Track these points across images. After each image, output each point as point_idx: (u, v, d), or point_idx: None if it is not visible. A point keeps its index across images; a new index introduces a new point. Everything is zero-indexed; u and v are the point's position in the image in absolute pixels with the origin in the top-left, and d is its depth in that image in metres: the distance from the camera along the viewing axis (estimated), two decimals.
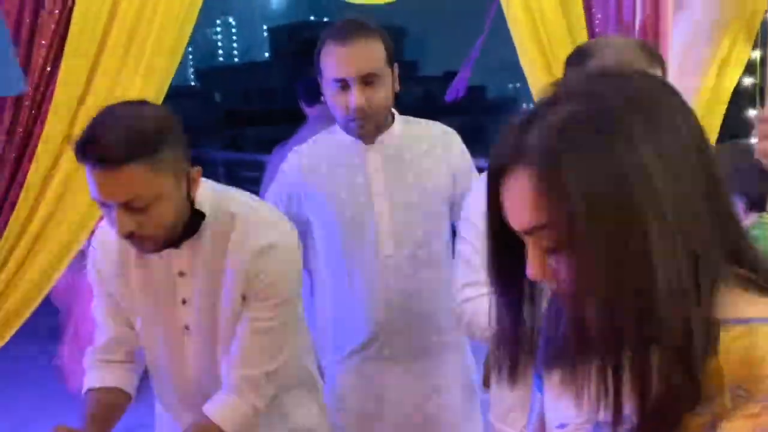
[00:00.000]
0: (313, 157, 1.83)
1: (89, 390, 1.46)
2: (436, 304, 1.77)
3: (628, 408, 0.70)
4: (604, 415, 0.72)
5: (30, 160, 1.84)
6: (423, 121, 1.87)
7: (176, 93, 9.36)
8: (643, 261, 0.66)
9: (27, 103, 1.79)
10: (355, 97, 1.65)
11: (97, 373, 1.48)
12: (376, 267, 1.77)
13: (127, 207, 1.24)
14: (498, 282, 0.80)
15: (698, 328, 0.67)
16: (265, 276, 1.37)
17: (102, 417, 1.41)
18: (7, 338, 2.02)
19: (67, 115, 1.82)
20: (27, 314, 2.01)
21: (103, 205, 1.27)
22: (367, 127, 1.72)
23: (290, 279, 1.41)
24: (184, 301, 1.43)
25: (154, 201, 1.25)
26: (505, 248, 0.77)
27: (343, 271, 1.80)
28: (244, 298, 1.39)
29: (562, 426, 0.83)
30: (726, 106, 2.31)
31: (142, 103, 1.33)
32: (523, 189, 0.71)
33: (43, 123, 1.81)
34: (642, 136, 0.67)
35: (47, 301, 2.19)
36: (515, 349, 0.81)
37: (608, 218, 0.67)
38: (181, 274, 1.41)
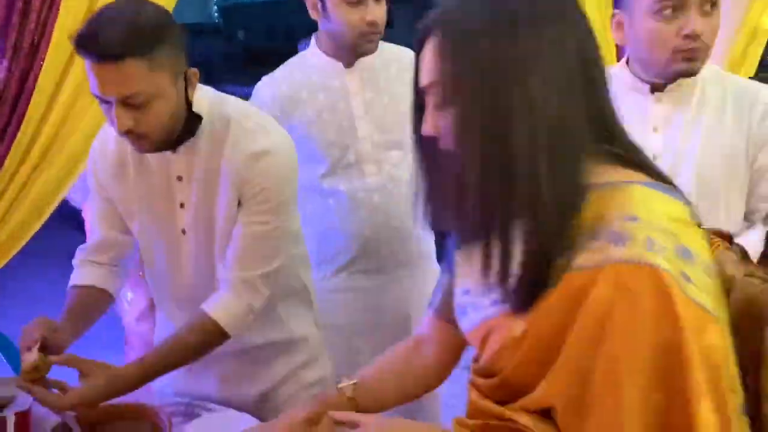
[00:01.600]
0: (292, 84, 1.89)
1: (72, 287, 1.52)
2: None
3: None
4: (492, 278, 0.89)
5: (40, 68, 1.85)
6: (395, 46, 1.96)
7: (199, 30, 9.26)
8: (505, 119, 0.82)
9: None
10: (372, 9, 1.75)
11: (81, 270, 1.53)
12: (360, 186, 1.89)
13: (125, 104, 1.26)
14: (418, 147, 0.98)
15: (551, 190, 0.82)
16: (260, 181, 1.40)
17: (80, 312, 1.47)
18: (17, 249, 2.05)
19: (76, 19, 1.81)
20: (38, 226, 2.04)
21: (103, 101, 1.29)
22: (377, 42, 1.82)
23: (285, 184, 1.44)
24: (182, 205, 1.47)
25: (151, 98, 1.27)
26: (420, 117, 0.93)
27: (326, 193, 1.89)
28: (239, 202, 1.42)
29: (466, 292, 1.00)
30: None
31: (143, 1, 1.33)
32: (428, 53, 0.89)
33: (53, 27, 1.81)
34: (527, 20, 0.84)
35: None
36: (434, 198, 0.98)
37: (480, 78, 0.83)
38: (179, 178, 1.45)
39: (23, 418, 1.30)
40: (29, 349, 1.30)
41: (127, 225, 1.53)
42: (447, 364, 1.19)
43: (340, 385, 1.17)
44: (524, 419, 0.89)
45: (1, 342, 2.03)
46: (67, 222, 2.82)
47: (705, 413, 0.78)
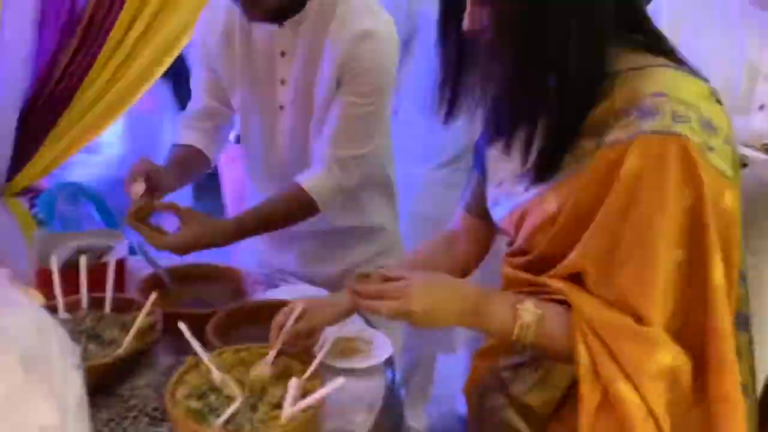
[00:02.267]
0: None
1: (172, 146, 1.59)
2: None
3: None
4: (522, 167, 0.97)
5: None
6: None
7: None
8: (541, 8, 0.87)
9: None
10: None
11: (183, 132, 1.60)
12: None
13: None
14: (443, 41, 1.04)
15: (583, 71, 0.89)
16: (363, 61, 1.40)
17: (180, 165, 1.53)
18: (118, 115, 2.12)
19: None
20: (140, 94, 2.10)
21: None
22: None
23: (386, 68, 1.44)
24: (282, 82, 1.49)
25: None
26: (451, 12, 1.00)
27: None
28: (338, 83, 1.43)
29: (499, 184, 1.08)
30: None
31: None
32: None
33: None
34: None
35: None
36: (454, 90, 1.05)
37: None
38: (282, 54, 1.46)
39: (120, 265, 1.40)
40: (135, 180, 1.36)
41: (228, 97, 1.57)
42: (477, 253, 1.29)
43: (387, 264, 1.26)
44: (557, 284, 0.97)
45: (96, 201, 2.15)
46: None
47: (718, 268, 0.87)
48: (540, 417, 1.09)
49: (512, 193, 1.05)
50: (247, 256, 1.79)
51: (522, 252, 1.06)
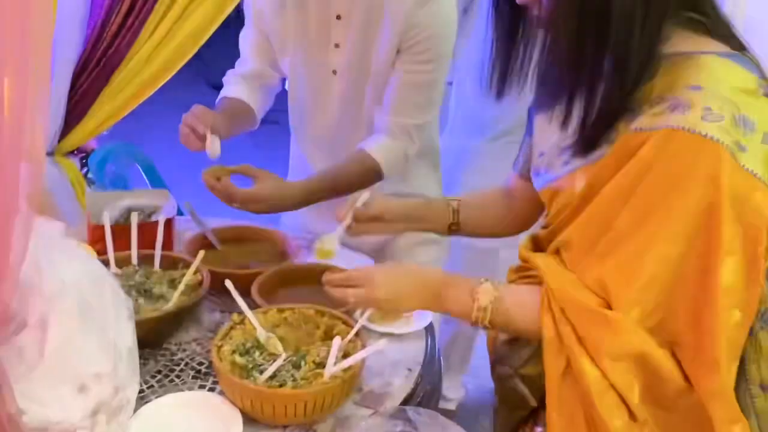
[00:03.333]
0: None
1: (221, 99, 1.60)
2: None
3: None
4: (566, 138, 0.95)
5: None
6: None
7: None
8: None
9: None
10: None
11: (232, 87, 1.60)
12: None
13: None
14: (497, 9, 1.03)
15: (639, 50, 0.86)
16: (425, 27, 1.39)
17: (230, 116, 1.52)
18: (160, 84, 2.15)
19: None
20: (181, 63, 2.12)
21: None
22: None
23: (447, 34, 1.42)
24: (336, 45, 1.48)
25: None
26: None
27: None
28: (398, 49, 1.42)
29: (541, 154, 1.07)
30: None
31: None
32: None
33: None
34: None
35: None
36: (507, 62, 1.04)
37: None
38: (338, 17, 1.45)
39: (169, 224, 1.43)
40: (210, 134, 1.37)
41: (277, 61, 1.57)
42: (532, 213, 1.27)
43: (448, 198, 1.29)
44: (537, 260, 1.00)
45: (144, 162, 2.20)
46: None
47: (727, 269, 0.82)
48: (541, 385, 1.10)
49: (552, 166, 1.04)
50: (289, 220, 1.81)
51: (547, 225, 1.06)
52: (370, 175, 1.48)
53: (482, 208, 1.32)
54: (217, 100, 1.61)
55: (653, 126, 0.86)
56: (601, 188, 0.92)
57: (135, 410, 0.97)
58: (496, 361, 1.21)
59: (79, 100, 2.08)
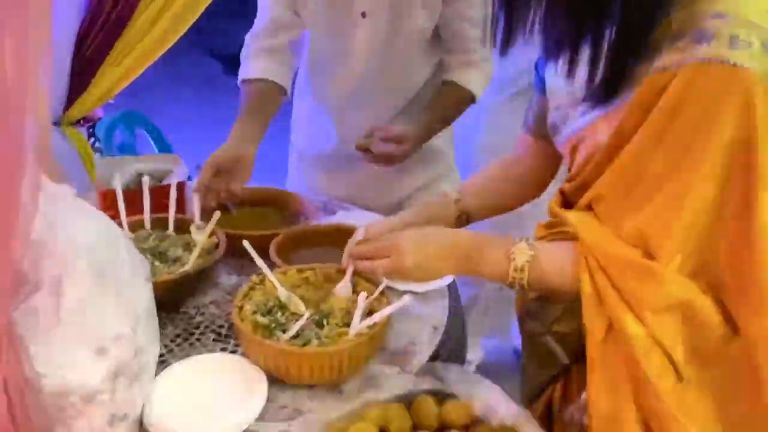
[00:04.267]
0: None
1: (244, 81, 1.52)
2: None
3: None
4: (582, 87, 0.90)
5: None
6: None
7: None
8: None
9: None
10: None
11: (253, 63, 1.52)
12: None
13: None
14: None
15: None
16: None
17: (257, 108, 1.46)
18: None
19: None
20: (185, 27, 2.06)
21: None
22: None
23: None
24: None
25: None
26: None
27: None
28: None
29: (557, 108, 1.02)
30: None
31: None
32: None
33: None
34: None
35: None
36: (510, 13, 0.93)
37: None
38: None
39: (181, 187, 1.40)
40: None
41: (299, 7, 1.49)
42: (544, 175, 1.22)
43: (446, 191, 1.23)
44: (569, 215, 0.95)
45: (153, 129, 2.16)
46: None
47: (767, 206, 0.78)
48: (575, 342, 1.06)
49: (569, 118, 0.99)
50: (296, 183, 1.77)
51: (573, 178, 1.02)
52: (466, 103, 1.53)
53: (488, 190, 1.25)
54: (240, 80, 1.51)
55: (678, 62, 0.80)
56: (630, 135, 0.87)
57: (156, 373, 0.95)
58: (525, 317, 1.17)
59: (84, 66, 2.03)
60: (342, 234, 1.21)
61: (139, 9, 1.96)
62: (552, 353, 1.12)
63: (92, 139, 2.14)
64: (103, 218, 0.91)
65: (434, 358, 1.08)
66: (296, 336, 0.98)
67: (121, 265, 0.87)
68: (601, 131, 0.92)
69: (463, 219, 1.21)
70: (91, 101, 2.10)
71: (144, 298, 0.91)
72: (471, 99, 1.54)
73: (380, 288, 1.05)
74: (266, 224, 1.40)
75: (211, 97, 5.40)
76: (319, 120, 1.63)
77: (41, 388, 0.75)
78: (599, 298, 0.88)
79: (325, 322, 1.01)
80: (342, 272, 1.11)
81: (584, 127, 0.95)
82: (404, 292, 1.16)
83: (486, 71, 1.55)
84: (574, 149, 0.99)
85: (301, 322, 0.98)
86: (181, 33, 2.04)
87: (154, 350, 0.92)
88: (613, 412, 0.88)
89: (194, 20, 2.02)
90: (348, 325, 1.01)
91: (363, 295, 0.99)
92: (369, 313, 1.02)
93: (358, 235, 1.11)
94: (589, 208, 0.95)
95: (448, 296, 1.23)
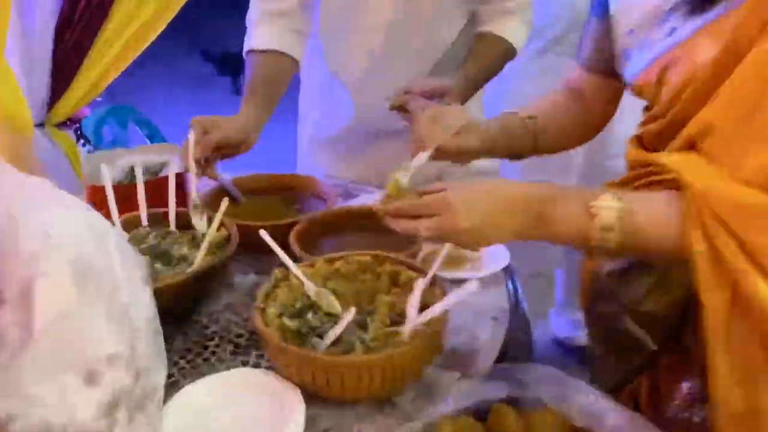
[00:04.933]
0: None
1: (250, 52, 1.34)
2: None
3: None
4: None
5: None
6: None
7: None
8: None
9: None
10: None
11: (260, 30, 1.34)
12: None
13: None
14: None
15: None
16: None
17: (265, 89, 1.30)
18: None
19: None
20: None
21: None
22: None
23: None
24: None
25: None
26: None
27: None
28: None
29: (631, 32, 0.86)
30: None
31: None
32: None
33: None
34: None
35: None
36: None
37: None
38: None
39: (180, 179, 1.21)
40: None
41: None
42: (603, 113, 1.07)
43: (522, 117, 1.05)
44: (668, 158, 0.77)
45: (147, 124, 1.99)
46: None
47: None
48: (665, 324, 0.89)
49: (649, 41, 0.83)
50: (308, 171, 1.58)
51: (656, 118, 0.84)
52: (507, 56, 1.38)
53: (556, 119, 1.07)
54: (246, 51, 1.34)
55: None
56: (747, 48, 0.70)
57: (165, 400, 0.76)
58: (597, 298, 0.98)
59: (65, 61, 1.86)
60: (374, 215, 1.02)
61: None
62: (635, 339, 0.93)
63: (81, 142, 1.96)
64: (86, 208, 0.72)
65: (502, 354, 0.90)
66: (336, 342, 0.79)
67: (112, 265, 0.68)
68: (703, 47, 0.74)
69: (531, 146, 1.04)
70: (75, 99, 1.93)
71: (143, 305, 0.72)
72: (511, 52, 1.37)
73: (431, 272, 0.86)
74: (279, 214, 1.21)
75: (205, 98, 5.26)
76: (333, 95, 1.45)
77: None
78: (718, 260, 0.68)
79: (368, 321, 0.82)
80: (379, 259, 0.92)
81: (676, 46, 0.78)
82: (452, 282, 0.98)
83: (526, 19, 1.38)
84: (661, 76, 0.81)
85: (343, 324, 0.78)
86: (165, 23, 1.86)
87: (160, 371, 0.73)
88: (752, 408, 0.69)
89: (178, 8, 1.84)
90: (396, 323, 0.83)
91: (420, 283, 0.80)
92: (421, 307, 0.84)
93: (422, 159, 0.91)
94: (689, 148, 0.77)
95: (505, 281, 1.04)
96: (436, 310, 0.78)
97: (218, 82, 5.68)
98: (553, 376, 0.79)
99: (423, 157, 0.91)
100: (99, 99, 2.11)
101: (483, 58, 1.34)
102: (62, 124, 1.98)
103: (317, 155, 1.58)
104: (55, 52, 1.82)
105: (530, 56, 1.80)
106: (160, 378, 0.74)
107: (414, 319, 0.77)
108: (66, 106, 1.93)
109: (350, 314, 0.77)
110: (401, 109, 1.22)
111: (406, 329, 0.78)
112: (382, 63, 1.34)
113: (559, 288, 2.20)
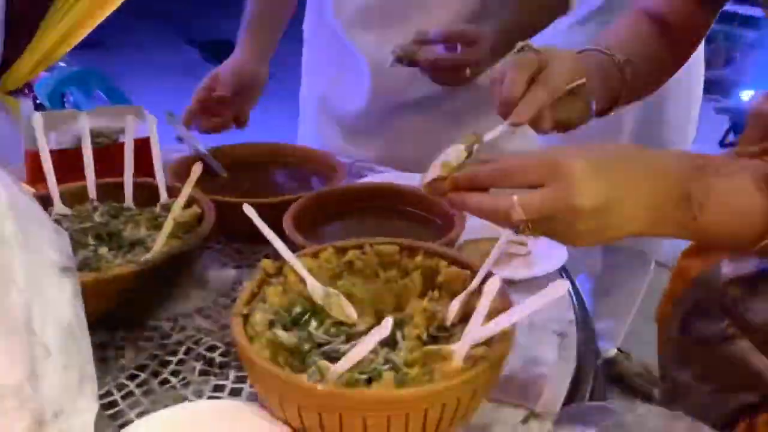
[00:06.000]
0: None
1: None
2: None
3: None
4: None
5: None
6: None
7: None
8: None
9: None
10: None
11: None
12: None
13: None
14: None
15: None
16: None
17: (268, 17, 1.20)
18: None
19: None
20: None
21: None
22: None
23: None
24: None
25: None
26: None
27: None
28: None
29: None
30: None
31: None
32: None
33: None
34: None
35: None
36: None
37: None
38: None
39: (146, 147, 0.95)
40: None
41: None
42: (686, 55, 0.87)
43: (611, 55, 0.77)
44: None
45: (110, 88, 1.74)
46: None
47: None
48: None
49: None
50: (308, 131, 1.35)
51: None
52: (559, 9, 1.12)
53: (646, 58, 0.81)
54: None
55: None
56: None
57: None
58: (696, 312, 0.74)
59: (18, 27, 1.63)
60: (395, 195, 0.78)
61: None
62: (753, 371, 0.68)
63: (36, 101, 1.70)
64: None
65: (576, 383, 0.65)
66: (351, 367, 0.53)
67: (3, 251, 0.42)
68: None
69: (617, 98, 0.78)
70: (31, 64, 1.70)
71: (61, 310, 0.46)
72: (564, 5, 1.11)
73: (479, 276, 0.62)
74: (270, 192, 0.95)
75: (192, 85, 4.99)
76: (345, 61, 1.20)
77: None
78: None
79: (399, 336, 0.57)
80: (411, 250, 0.67)
81: None
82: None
83: None
84: None
85: (371, 342, 0.51)
86: None
87: (84, 405, 0.48)
88: None
89: None
90: (436, 339, 0.58)
91: (494, 282, 0.55)
92: (464, 315, 0.59)
93: (498, 132, 0.66)
94: None
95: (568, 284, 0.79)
96: (503, 321, 0.53)
97: (205, 69, 5.45)
98: (656, 413, 0.54)
99: (500, 129, 0.66)
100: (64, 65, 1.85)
101: (527, 8, 1.09)
102: (19, 92, 1.74)
103: (322, 129, 1.32)
104: (7, 16, 1.59)
105: (570, 26, 1.55)
106: (85, 416, 0.48)
107: (476, 326, 0.52)
108: (20, 72, 1.69)
109: (385, 328, 0.50)
110: (409, 61, 0.96)
111: (460, 349, 0.52)
112: (406, 12, 1.09)
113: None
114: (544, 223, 0.50)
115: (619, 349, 1.94)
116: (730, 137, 3.60)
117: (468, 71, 0.96)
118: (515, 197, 0.49)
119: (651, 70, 0.81)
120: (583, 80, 0.72)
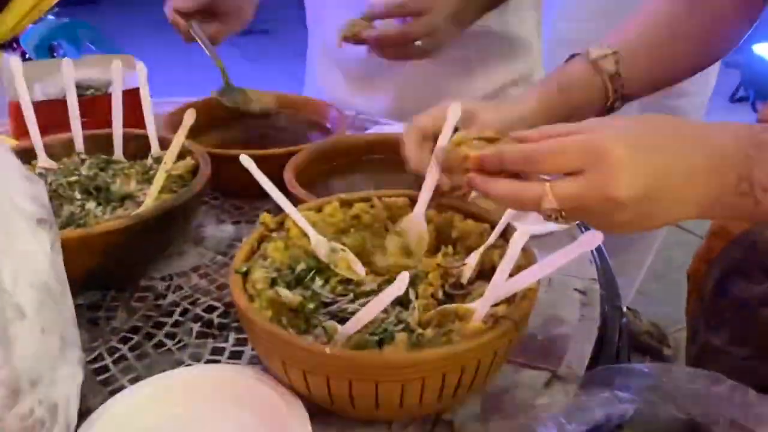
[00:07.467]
0: None
1: None
2: None
3: None
4: None
5: None
6: None
7: None
8: None
9: None
10: None
11: None
12: None
13: None
14: None
15: None
16: None
17: None
18: None
19: None
20: None
21: None
22: None
23: None
24: None
25: None
26: None
27: None
28: None
29: None
30: None
31: None
32: None
33: None
34: None
35: None
36: None
37: None
38: None
39: (135, 97, 0.89)
40: None
41: None
42: (731, 38, 0.74)
43: (595, 53, 0.71)
44: None
45: (101, 40, 1.67)
46: None
47: None
48: None
49: None
50: (312, 84, 1.28)
51: None
52: None
53: (653, 56, 0.73)
54: None
55: None
56: None
57: (92, 409, 0.46)
58: (734, 275, 0.69)
59: None
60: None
61: None
62: None
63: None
64: None
65: (600, 343, 0.61)
66: (361, 327, 0.49)
67: None
68: None
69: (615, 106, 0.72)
70: (14, 19, 1.62)
71: (34, 264, 0.41)
72: None
73: (500, 227, 0.57)
74: (271, 144, 0.90)
75: (194, 53, 4.90)
76: (347, 3, 1.13)
77: None
78: None
79: (412, 295, 0.53)
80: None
81: None
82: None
83: None
84: None
85: (386, 300, 0.46)
86: None
87: (67, 373, 0.43)
88: None
89: None
90: (451, 298, 0.53)
91: (519, 235, 0.49)
92: (482, 270, 0.54)
93: (454, 118, 0.61)
94: None
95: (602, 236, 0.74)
96: (527, 277, 0.48)
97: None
98: (702, 377, 0.50)
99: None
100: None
101: None
102: (7, 47, 1.67)
103: (327, 79, 1.26)
104: None
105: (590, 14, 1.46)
106: (69, 387, 0.43)
107: (500, 283, 0.47)
108: (5, 24, 1.61)
109: (401, 285, 0.45)
110: (355, 39, 0.89)
111: (481, 307, 0.48)
112: None
113: None
114: (579, 211, 0.46)
115: (628, 308, 1.91)
116: (740, 92, 3.52)
117: (419, 43, 0.89)
118: (547, 185, 0.45)
119: (662, 59, 0.73)
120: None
